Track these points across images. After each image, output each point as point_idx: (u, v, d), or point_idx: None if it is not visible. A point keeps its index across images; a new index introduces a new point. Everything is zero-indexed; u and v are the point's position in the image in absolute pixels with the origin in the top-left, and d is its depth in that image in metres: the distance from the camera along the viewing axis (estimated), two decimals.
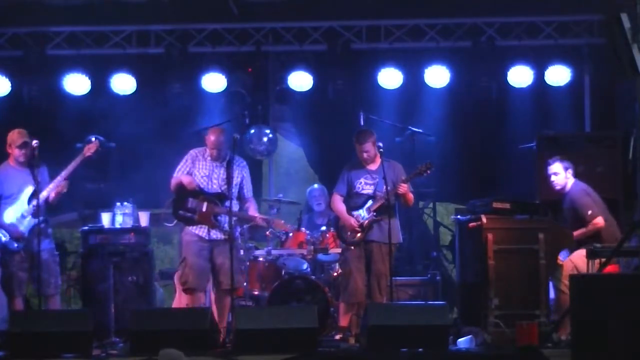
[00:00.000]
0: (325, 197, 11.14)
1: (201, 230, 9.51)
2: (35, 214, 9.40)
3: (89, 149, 9.72)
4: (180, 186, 9.57)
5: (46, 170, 9.70)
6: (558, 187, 9.86)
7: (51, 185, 9.56)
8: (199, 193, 9.53)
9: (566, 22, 11.49)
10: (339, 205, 9.75)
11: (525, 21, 11.51)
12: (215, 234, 9.50)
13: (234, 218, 9.42)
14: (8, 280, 9.60)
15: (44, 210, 9.66)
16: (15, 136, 9.63)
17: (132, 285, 10.24)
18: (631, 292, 7.42)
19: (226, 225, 9.42)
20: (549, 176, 9.90)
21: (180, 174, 9.60)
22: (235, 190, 9.54)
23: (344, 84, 11.71)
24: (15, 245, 9.54)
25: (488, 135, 11.91)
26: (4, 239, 9.54)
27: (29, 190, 9.52)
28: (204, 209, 9.48)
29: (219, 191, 9.53)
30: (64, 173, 9.61)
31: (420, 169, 9.58)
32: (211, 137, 9.62)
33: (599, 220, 9.60)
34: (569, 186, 9.82)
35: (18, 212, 9.57)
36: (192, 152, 9.70)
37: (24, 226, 9.54)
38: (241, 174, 9.63)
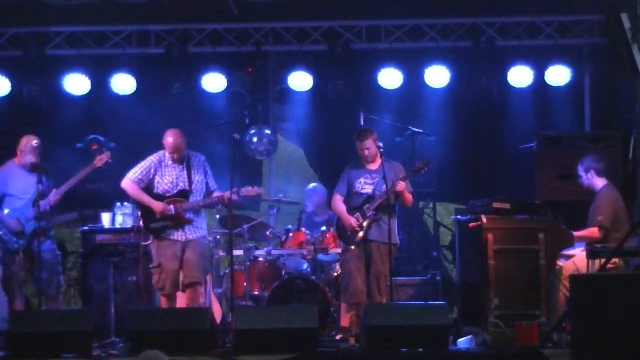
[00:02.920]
0: (316, 198, 11.14)
1: (176, 234, 9.43)
2: (37, 217, 9.41)
3: (100, 160, 9.68)
4: (139, 198, 9.44)
5: (51, 181, 9.71)
6: (584, 186, 9.79)
7: (57, 190, 9.61)
8: (162, 199, 9.44)
9: (566, 22, 11.49)
10: (339, 205, 9.74)
11: (525, 21, 11.52)
12: (189, 234, 9.44)
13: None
14: (9, 280, 9.63)
15: (47, 213, 9.67)
16: (29, 148, 9.57)
17: (132, 285, 10.23)
18: (631, 292, 7.42)
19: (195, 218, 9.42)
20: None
21: (136, 178, 9.40)
22: (202, 187, 9.48)
23: (344, 84, 11.73)
24: (16, 245, 9.55)
25: (488, 135, 11.91)
26: (4, 237, 9.56)
27: (32, 193, 9.53)
28: (172, 212, 9.40)
29: (180, 189, 9.45)
30: (72, 180, 9.63)
31: (417, 166, 9.59)
32: (169, 139, 9.42)
33: (595, 231, 9.53)
34: (598, 186, 9.71)
35: (22, 213, 9.58)
36: (154, 158, 9.49)
37: (27, 227, 9.55)
38: (202, 168, 9.52)
